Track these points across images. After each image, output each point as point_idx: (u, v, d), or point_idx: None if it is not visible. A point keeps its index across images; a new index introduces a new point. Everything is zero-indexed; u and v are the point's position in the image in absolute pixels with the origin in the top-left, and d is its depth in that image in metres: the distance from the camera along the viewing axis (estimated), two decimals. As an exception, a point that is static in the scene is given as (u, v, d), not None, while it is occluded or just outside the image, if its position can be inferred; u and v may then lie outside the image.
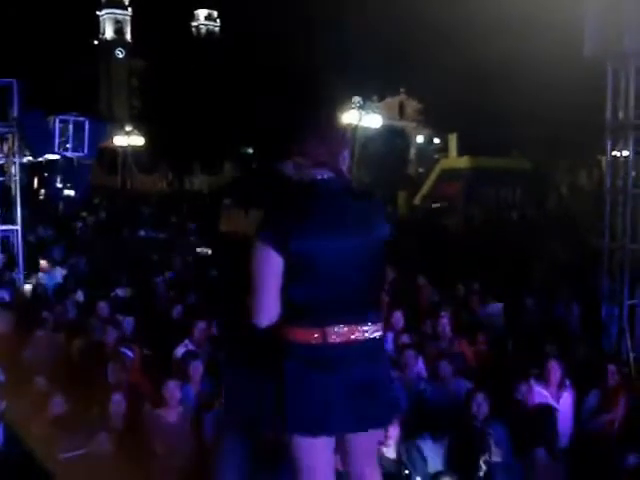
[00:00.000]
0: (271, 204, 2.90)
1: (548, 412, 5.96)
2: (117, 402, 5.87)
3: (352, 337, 2.83)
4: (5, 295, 10.13)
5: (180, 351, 7.41)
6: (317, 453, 2.88)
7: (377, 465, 3.16)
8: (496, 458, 5.25)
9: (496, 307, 9.87)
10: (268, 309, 2.82)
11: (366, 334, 2.87)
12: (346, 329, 2.82)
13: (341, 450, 3.05)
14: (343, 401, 2.80)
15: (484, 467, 5.16)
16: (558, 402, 6.49)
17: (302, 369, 2.80)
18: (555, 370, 6.60)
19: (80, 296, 10.46)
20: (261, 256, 2.80)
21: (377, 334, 2.91)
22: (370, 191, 3.29)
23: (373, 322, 2.90)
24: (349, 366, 2.82)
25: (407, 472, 5.26)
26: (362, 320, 2.87)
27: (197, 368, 6.50)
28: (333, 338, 2.81)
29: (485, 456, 5.21)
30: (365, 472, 3.07)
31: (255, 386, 3.00)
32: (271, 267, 2.80)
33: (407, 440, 5.25)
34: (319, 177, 2.90)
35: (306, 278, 2.81)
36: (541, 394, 6.47)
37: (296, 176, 2.98)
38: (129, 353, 7.42)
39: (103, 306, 9.23)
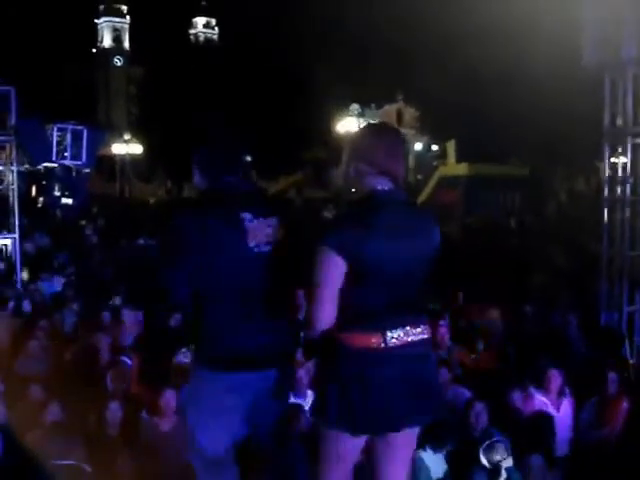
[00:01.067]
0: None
1: (545, 419, 5.94)
2: (114, 410, 5.86)
3: (408, 339, 2.96)
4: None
5: (178, 359, 7.40)
6: (353, 446, 3.05)
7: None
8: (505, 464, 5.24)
9: (495, 315, 9.84)
10: (328, 313, 2.90)
11: (419, 335, 3.00)
12: (403, 332, 2.95)
13: (378, 450, 3.12)
14: (402, 399, 2.91)
15: (505, 474, 5.16)
16: (558, 410, 6.47)
17: (362, 372, 2.89)
18: (555, 378, 6.58)
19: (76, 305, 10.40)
20: (326, 261, 2.87)
21: (427, 335, 3.05)
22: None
23: (424, 323, 3.05)
24: (406, 366, 2.93)
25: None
26: (416, 322, 3.01)
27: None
28: (392, 341, 2.92)
29: (506, 462, 5.19)
30: (401, 477, 3.18)
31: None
32: (335, 272, 2.87)
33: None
34: (379, 187, 2.98)
35: (368, 284, 2.89)
36: (541, 402, 6.46)
37: (353, 184, 3.05)
38: (128, 361, 7.41)
39: (106, 315, 9.26)
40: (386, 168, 2.99)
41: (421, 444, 5.49)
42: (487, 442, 5.31)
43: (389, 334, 2.91)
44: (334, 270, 2.86)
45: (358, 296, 2.90)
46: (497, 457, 5.22)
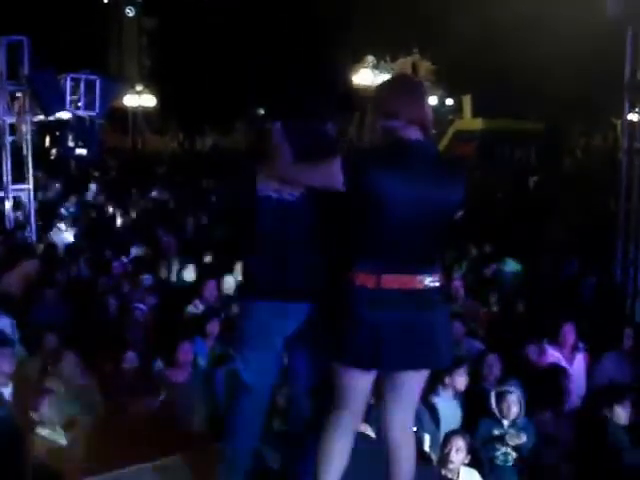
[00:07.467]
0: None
1: (559, 373, 5.93)
2: (130, 359, 5.89)
3: (409, 285, 2.95)
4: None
5: (191, 310, 7.46)
6: (357, 380, 3.07)
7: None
8: (513, 416, 5.25)
9: (509, 269, 9.83)
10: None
11: (424, 283, 2.98)
12: (403, 277, 2.94)
13: (385, 389, 3.18)
14: (397, 340, 2.93)
15: (507, 424, 5.19)
16: (571, 364, 6.48)
17: (358, 308, 2.92)
18: (569, 332, 6.58)
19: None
20: (338, 170, 2.91)
21: (436, 284, 3.02)
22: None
23: (431, 274, 3.01)
24: (405, 309, 2.95)
25: (415, 429, 5.25)
26: (421, 271, 2.98)
27: (215, 326, 6.55)
28: (389, 284, 2.92)
29: (512, 412, 5.22)
30: (408, 418, 3.26)
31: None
32: (337, 171, 2.91)
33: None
34: (406, 138, 2.96)
35: (372, 220, 2.91)
36: (554, 356, 6.46)
37: (380, 140, 3.03)
38: (143, 308, 7.44)
39: (117, 265, 9.32)
40: (415, 117, 2.97)
41: (434, 389, 5.52)
42: (498, 390, 5.33)
43: (386, 277, 2.92)
44: (337, 170, 2.90)
45: (362, 232, 2.93)
46: (504, 406, 5.25)
